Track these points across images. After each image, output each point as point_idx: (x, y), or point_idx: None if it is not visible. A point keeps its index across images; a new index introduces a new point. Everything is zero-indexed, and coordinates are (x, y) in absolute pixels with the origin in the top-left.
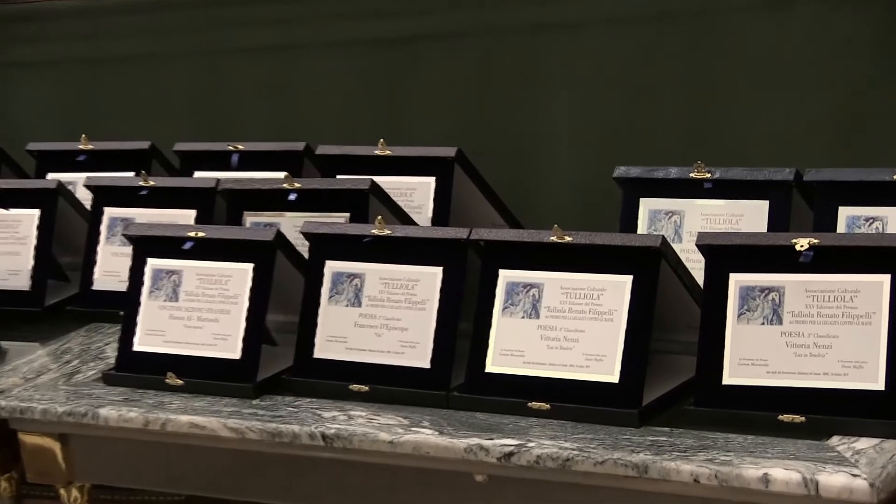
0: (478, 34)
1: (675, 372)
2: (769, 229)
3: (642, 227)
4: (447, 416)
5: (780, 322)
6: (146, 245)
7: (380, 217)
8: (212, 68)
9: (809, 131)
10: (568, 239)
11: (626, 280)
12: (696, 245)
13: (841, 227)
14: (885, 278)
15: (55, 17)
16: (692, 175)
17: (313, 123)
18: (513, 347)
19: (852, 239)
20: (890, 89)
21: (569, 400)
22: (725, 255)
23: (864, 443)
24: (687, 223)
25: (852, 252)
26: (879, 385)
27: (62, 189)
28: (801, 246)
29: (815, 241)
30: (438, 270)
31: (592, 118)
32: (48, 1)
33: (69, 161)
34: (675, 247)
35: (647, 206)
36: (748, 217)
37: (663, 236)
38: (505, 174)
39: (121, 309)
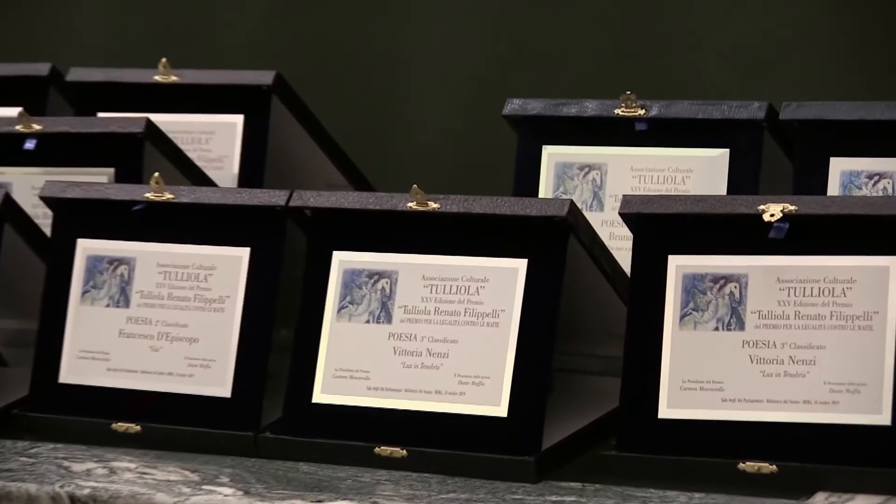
0: None
1: (590, 401)
2: (730, 190)
3: (546, 189)
4: (256, 467)
5: (742, 326)
6: None
7: (157, 175)
8: None
9: (790, 47)
10: (434, 206)
11: (519, 266)
12: (621, 214)
13: (833, 188)
14: (894, 262)
15: None
16: (618, 112)
17: (63, 36)
18: (353, 367)
19: (847, 205)
20: None
21: (434, 443)
22: (664, 228)
23: (861, 501)
24: (611, 182)
25: (847, 224)
26: (884, 418)
27: None
28: (773, 215)
29: (793, 207)
30: (244, 253)
31: (474, 30)
32: None
33: None
34: (593, 217)
35: (552, 156)
36: (699, 173)
37: (572, 201)
38: (348, 112)
39: None
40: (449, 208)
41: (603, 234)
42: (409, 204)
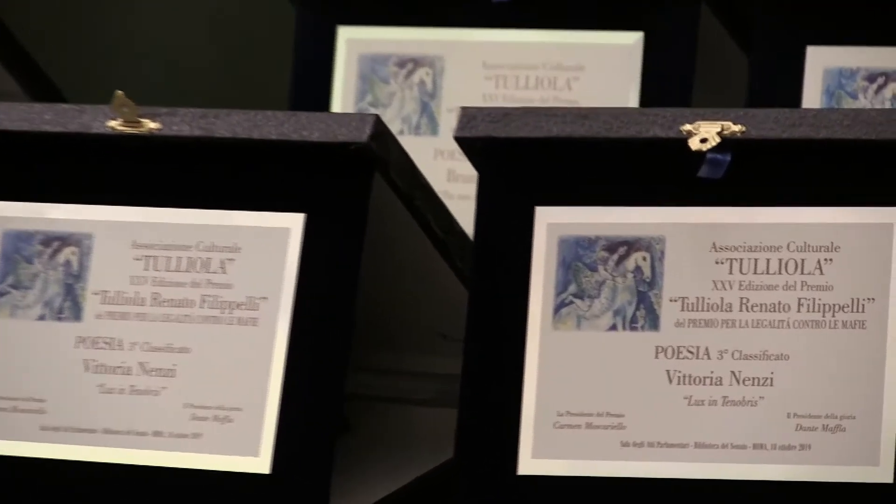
0: None
1: (408, 447)
2: (644, 100)
3: (343, 97)
4: None
5: (655, 324)
6: None
7: None
8: None
9: None
10: (152, 126)
11: (291, 225)
12: (457, 138)
13: (811, 96)
14: None
15: None
16: None
17: None
18: (17, 393)
19: (828, 123)
20: None
21: None
22: (529, 163)
23: None
24: (449, 87)
25: (827, 156)
26: (883, 472)
27: None
28: (706, 140)
29: (739, 128)
30: None
31: None
32: None
33: None
34: (419, 144)
35: (353, 45)
36: (594, 72)
37: (378, 118)
38: None
39: None
40: (176, 130)
41: (436, 172)
42: (112, 123)
